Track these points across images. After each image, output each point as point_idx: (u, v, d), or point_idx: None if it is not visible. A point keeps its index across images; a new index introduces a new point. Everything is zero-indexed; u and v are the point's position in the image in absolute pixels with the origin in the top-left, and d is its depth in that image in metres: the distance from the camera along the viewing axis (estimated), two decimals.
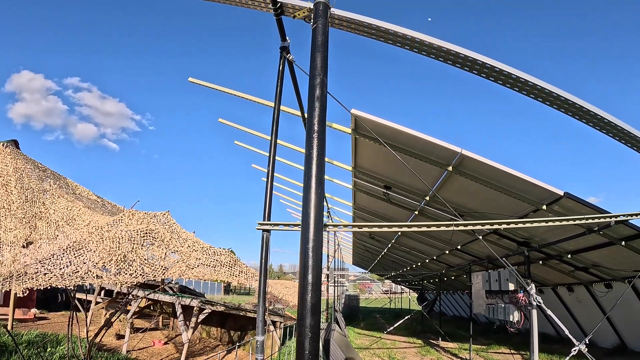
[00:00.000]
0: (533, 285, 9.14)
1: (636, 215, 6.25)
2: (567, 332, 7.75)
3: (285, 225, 4.02)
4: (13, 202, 9.86)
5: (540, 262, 12.43)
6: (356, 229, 4.64)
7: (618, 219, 6.25)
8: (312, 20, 3.38)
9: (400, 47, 3.85)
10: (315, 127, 2.73)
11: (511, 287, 11.18)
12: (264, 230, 3.68)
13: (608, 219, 6.33)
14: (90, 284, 9.24)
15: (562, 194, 7.40)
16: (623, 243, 8.54)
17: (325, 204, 13.24)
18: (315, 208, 2.59)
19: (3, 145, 15.79)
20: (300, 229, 2.61)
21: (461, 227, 4.67)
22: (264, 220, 3.76)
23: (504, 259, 7.20)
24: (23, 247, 8.28)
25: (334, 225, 5.05)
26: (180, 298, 14.62)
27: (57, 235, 8.14)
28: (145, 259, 6.71)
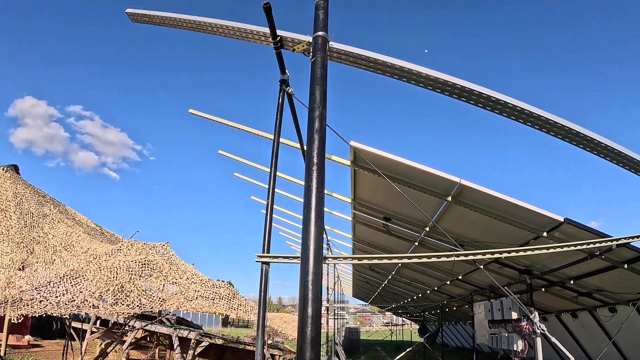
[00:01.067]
0: (536, 313, 9.00)
1: (637, 237, 6.23)
2: (572, 359, 7.59)
3: (284, 257, 3.99)
4: (12, 227, 9.83)
5: (543, 289, 12.28)
6: (356, 261, 4.61)
7: (619, 242, 6.22)
8: (311, 54, 3.45)
9: (398, 79, 3.93)
10: (315, 160, 2.76)
11: (514, 315, 11.01)
12: (263, 263, 3.65)
13: (609, 243, 6.30)
14: (86, 313, 9.10)
15: (562, 220, 7.38)
16: (625, 266, 8.48)
17: (324, 236, 13.18)
18: (314, 240, 2.58)
19: (3, 169, 15.85)
20: (299, 261, 2.59)
21: (461, 257, 4.64)
22: (263, 252, 3.74)
23: (505, 287, 7.12)
24: (19, 269, 8.19)
25: (334, 258, 5.02)
26: (178, 330, 14.35)
27: (54, 260, 8.08)
28: (143, 290, 6.63)
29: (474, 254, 4.74)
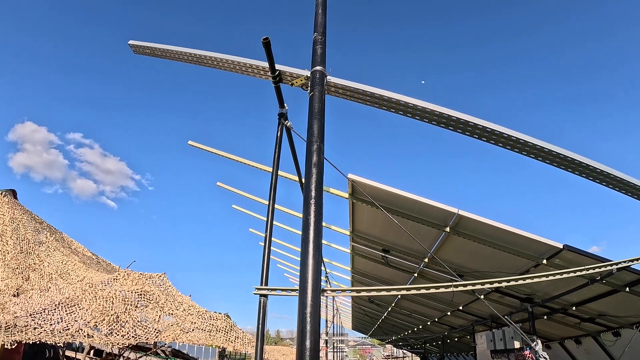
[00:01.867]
0: (539, 342, 8.86)
1: (637, 260, 6.21)
2: None
3: (282, 290, 3.96)
4: (7, 252, 9.75)
5: (545, 317, 12.13)
6: (355, 294, 4.55)
7: (619, 265, 6.21)
8: (309, 88, 3.53)
9: (394, 112, 4.01)
10: (313, 194, 2.79)
11: (517, 345, 10.84)
12: (261, 295, 3.63)
13: (609, 267, 6.28)
14: (80, 342, 8.89)
15: (562, 247, 7.39)
16: (627, 289, 8.44)
17: (323, 268, 13.10)
18: (312, 273, 2.58)
19: (1, 193, 15.81)
20: (298, 294, 2.59)
21: (461, 288, 4.61)
22: (261, 285, 3.72)
23: (507, 317, 7.02)
24: (13, 296, 8.07)
25: (332, 290, 4.97)
26: None
27: (50, 288, 7.96)
28: (138, 321, 6.52)
29: (473, 284, 4.71)
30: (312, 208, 2.72)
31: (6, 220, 10.77)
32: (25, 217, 11.67)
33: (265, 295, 3.63)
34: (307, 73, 3.75)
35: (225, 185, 11.97)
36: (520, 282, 4.99)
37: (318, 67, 3.51)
